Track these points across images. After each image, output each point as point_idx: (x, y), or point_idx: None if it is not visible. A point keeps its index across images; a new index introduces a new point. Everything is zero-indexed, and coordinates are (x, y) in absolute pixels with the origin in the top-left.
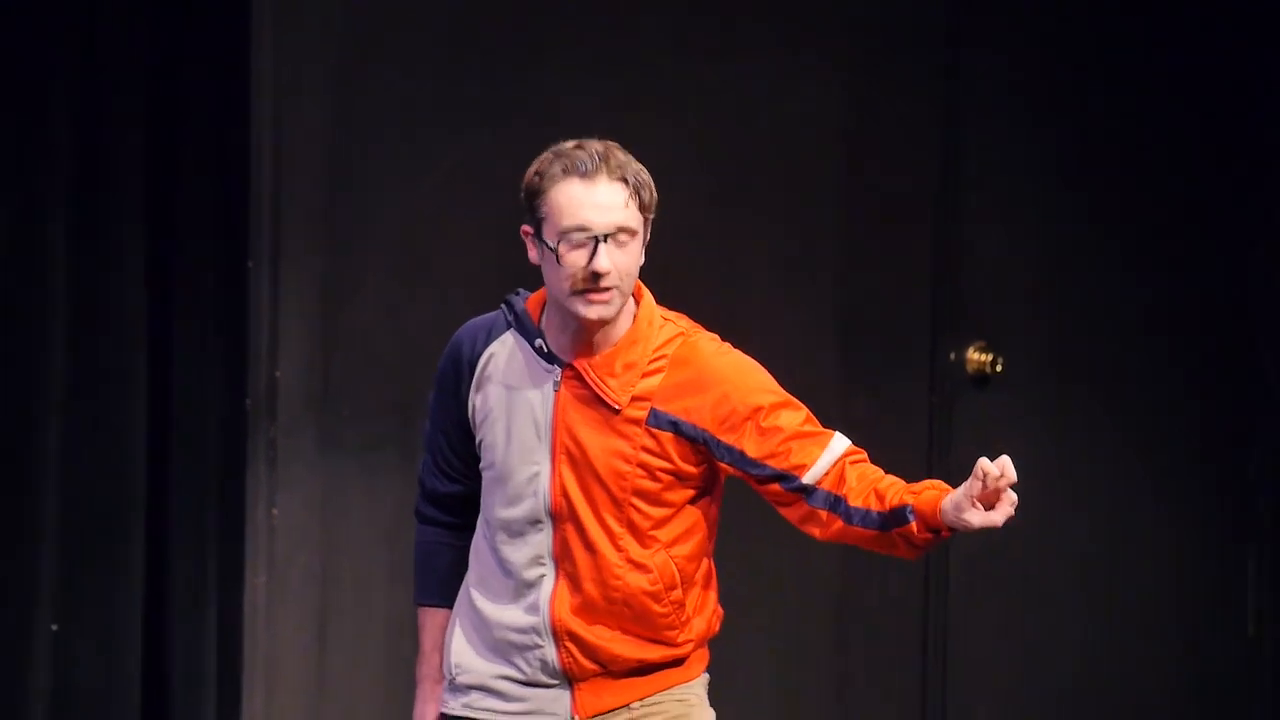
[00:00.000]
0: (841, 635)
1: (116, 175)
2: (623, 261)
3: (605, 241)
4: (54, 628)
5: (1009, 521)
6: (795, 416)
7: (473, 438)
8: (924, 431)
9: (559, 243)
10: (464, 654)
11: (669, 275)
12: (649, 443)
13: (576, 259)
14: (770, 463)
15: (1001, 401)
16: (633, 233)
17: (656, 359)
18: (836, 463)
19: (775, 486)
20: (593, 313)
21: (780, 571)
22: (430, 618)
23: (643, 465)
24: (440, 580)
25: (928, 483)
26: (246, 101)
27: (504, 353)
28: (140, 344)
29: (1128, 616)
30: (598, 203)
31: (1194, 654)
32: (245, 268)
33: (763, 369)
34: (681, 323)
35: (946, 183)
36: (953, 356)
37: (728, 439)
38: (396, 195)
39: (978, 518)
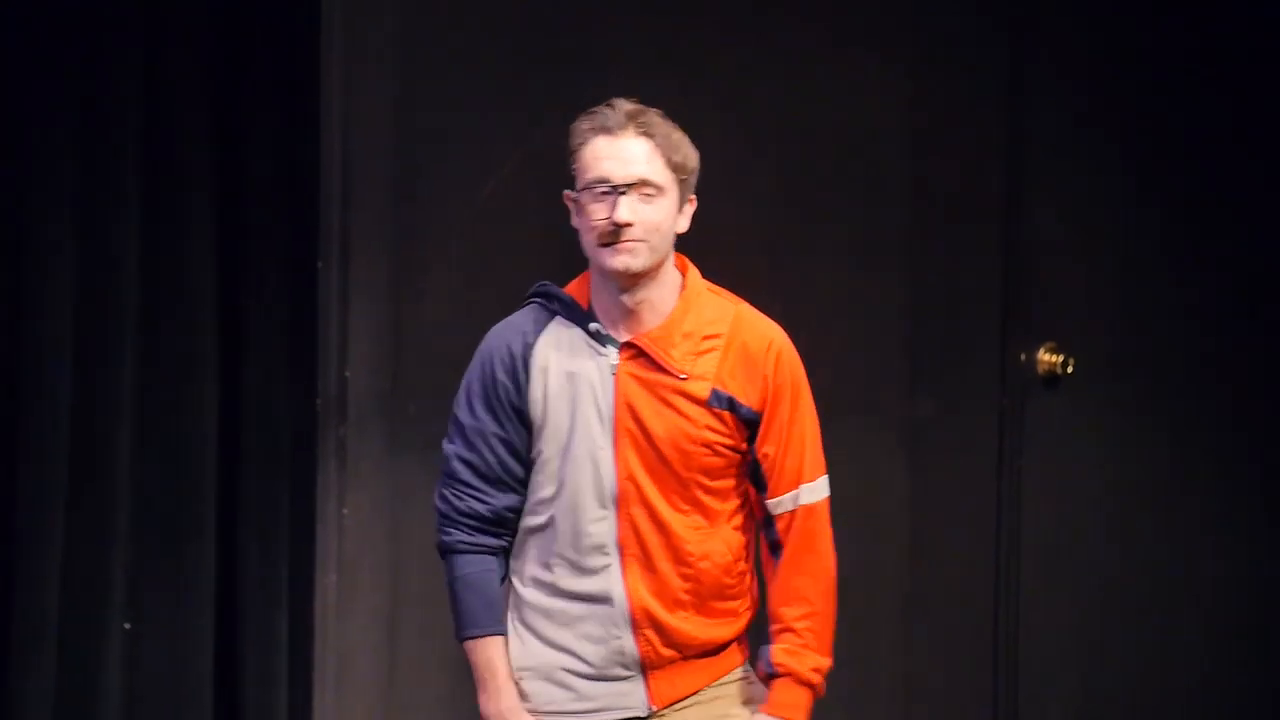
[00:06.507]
0: (909, 634)
1: (187, 180)
2: (648, 215)
3: (625, 194)
4: (126, 626)
5: None
6: (805, 435)
7: (531, 437)
8: (993, 433)
9: (583, 195)
10: (523, 653)
11: (736, 275)
12: (712, 421)
13: (598, 210)
14: (762, 459)
15: (1072, 402)
16: (658, 188)
17: (713, 335)
18: (795, 513)
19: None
20: (618, 262)
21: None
22: (497, 647)
23: (707, 444)
24: (502, 607)
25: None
26: (316, 105)
27: (553, 343)
28: (211, 345)
29: (1199, 620)
30: (619, 155)
31: (1266, 660)
32: (315, 268)
33: (801, 366)
34: (730, 298)
35: (1015, 182)
36: (1023, 357)
37: (764, 417)
38: (462, 194)
39: None
